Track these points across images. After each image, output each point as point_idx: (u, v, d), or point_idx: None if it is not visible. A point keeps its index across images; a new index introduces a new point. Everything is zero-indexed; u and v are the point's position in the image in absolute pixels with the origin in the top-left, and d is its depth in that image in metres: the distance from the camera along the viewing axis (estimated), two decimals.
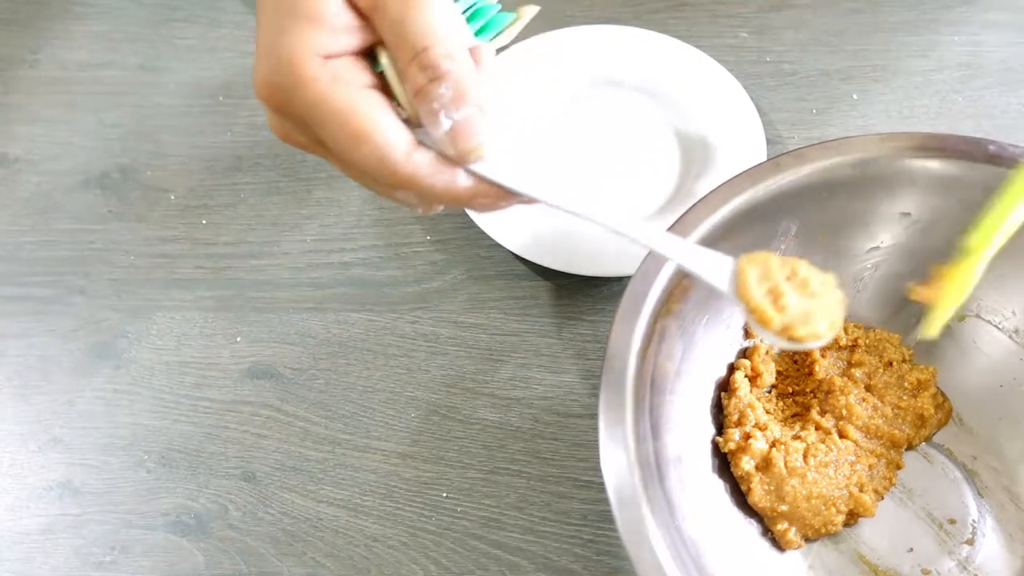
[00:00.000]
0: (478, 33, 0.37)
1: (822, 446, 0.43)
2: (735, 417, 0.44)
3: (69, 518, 0.49)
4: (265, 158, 0.60)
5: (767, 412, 0.45)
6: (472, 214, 0.53)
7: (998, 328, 0.46)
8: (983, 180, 0.43)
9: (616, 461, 0.36)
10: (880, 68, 0.62)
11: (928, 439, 0.46)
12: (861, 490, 0.43)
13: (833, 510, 0.42)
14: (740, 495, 0.43)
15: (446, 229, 0.56)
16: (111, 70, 0.65)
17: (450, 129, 0.32)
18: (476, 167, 0.33)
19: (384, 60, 0.33)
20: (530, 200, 0.34)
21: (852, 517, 0.43)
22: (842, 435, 0.44)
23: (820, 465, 0.42)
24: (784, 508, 0.42)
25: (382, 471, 0.49)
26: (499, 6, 0.37)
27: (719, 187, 0.42)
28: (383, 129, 0.32)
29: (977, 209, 0.43)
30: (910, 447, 0.45)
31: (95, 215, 0.58)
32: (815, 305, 0.34)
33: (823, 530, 0.43)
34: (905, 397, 0.46)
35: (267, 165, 0.60)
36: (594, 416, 0.37)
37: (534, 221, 0.54)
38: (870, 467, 0.44)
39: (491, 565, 0.46)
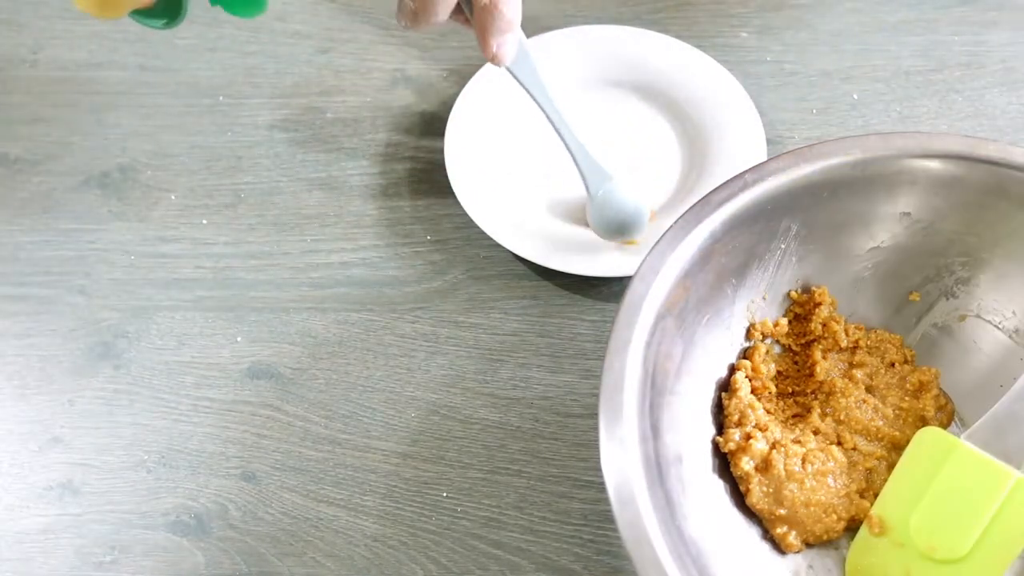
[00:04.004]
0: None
1: (820, 455, 0.43)
2: (736, 417, 0.44)
3: (69, 518, 0.49)
4: (265, 158, 0.60)
5: (768, 412, 0.45)
6: (472, 213, 0.53)
7: (998, 328, 0.46)
8: (983, 180, 0.43)
9: (616, 461, 0.36)
10: (880, 68, 0.62)
11: None
12: (862, 495, 0.43)
13: (834, 517, 0.42)
14: (740, 496, 0.43)
15: (446, 229, 0.56)
16: (111, 70, 0.65)
17: None
18: None
19: None
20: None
21: (854, 523, 0.43)
22: (842, 442, 0.44)
23: (818, 473, 0.42)
24: (783, 512, 0.42)
25: (382, 471, 0.49)
26: None
27: (719, 187, 0.42)
28: None
29: (977, 209, 0.44)
30: None
31: (95, 215, 0.58)
32: None
33: (825, 536, 0.42)
34: (907, 398, 0.46)
35: (267, 165, 0.60)
36: (594, 416, 0.37)
37: (534, 221, 0.54)
38: (871, 471, 0.44)
39: (491, 565, 0.46)
